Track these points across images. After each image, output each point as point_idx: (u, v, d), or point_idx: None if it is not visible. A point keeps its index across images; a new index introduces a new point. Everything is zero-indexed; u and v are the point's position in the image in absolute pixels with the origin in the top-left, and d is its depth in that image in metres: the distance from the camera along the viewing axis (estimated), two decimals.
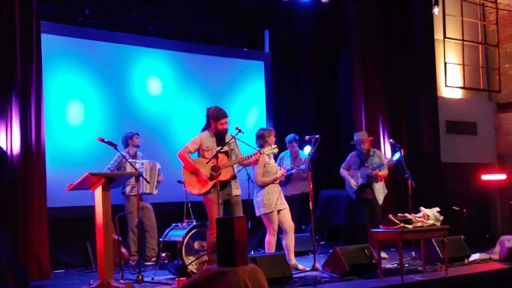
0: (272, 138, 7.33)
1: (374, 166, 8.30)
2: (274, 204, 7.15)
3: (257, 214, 7.28)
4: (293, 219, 7.55)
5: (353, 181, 8.49)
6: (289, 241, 7.27)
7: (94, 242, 6.15)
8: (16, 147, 6.94)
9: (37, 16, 7.20)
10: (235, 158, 6.89)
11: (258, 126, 10.77)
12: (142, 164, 8.22)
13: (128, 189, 8.15)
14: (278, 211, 7.21)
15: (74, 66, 8.99)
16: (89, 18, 9.32)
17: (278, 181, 7.30)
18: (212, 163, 6.64)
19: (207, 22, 10.60)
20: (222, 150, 6.79)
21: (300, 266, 7.17)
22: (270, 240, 7.21)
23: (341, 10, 10.25)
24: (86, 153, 8.77)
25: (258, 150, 6.95)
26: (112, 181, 6.13)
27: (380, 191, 8.43)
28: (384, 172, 8.38)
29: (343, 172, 8.70)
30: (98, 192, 6.01)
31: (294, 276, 6.57)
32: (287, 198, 9.18)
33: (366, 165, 8.40)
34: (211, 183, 6.67)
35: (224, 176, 6.78)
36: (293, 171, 9.08)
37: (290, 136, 9.35)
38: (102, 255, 5.94)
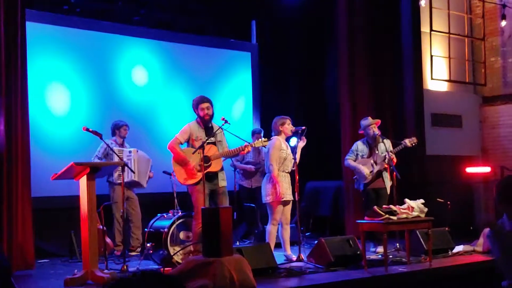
0: (286, 126, 7.29)
1: (382, 153, 7.96)
2: (283, 194, 7.13)
3: (263, 201, 7.26)
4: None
5: (368, 169, 8.02)
6: (284, 232, 7.30)
7: (79, 232, 6.13)
8: (0, 136, 6.87)
9: (22, 3, 7.12)
10: (222, 150, 6.88)
11: (245, 117, 10.86)
12: (130, 152, 8.16)
13: (115, 176, 8.07)
14: (284, 202, 7.20)
15: (59, 54, 8.92)
16: (74, 6, 9.25)
17: (288, 171, 7.24)
18: (199, 153, 6.62)
19: (194, 12, 10.57)
20: (210, 141, 6.78)
21: (294, 257, 7.18)
22: (270, 230, 7.21)
23: (328, 1, 10.24)
24: (71, 142, 8.72)
25: (249, 143, 6.93)
26: (97, 170, 6.10)
27: (388, 179, 8.12)
28: (395, 157, 8.06)
29: (350, 162, 8.20)
30: (83, 181, 5.98)
31: (279, 266, 6.58)
32: (251, 190, 9.26)
33: (376, 152, 8.05)
34: (200, 174, 6.65)
35: (214, 167, 6.77)
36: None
37: (256, 129, 9.49)
38: (87, 245, 5.92)
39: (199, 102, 6.90)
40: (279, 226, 7.30)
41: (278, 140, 7.22)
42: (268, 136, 7.57)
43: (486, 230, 8.08)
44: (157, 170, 8.26)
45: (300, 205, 7.68)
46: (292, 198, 7.23)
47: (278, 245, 7.41)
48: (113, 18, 9.64)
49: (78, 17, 9.25)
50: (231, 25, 11.08)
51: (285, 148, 7.24)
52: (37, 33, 8.40)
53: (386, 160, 7.91)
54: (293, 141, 7.75)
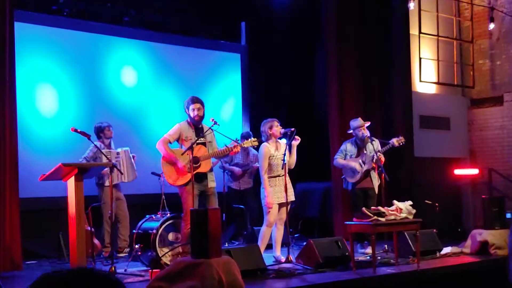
0: (274, 129, 7.28)
1: (371, 153, 7.98)
2: (276, 197, 7.14)
3: (262, 203, 7.29)
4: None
5: (357, 164, 8.03)
6: (277, 233, 7.32)
7: (67, 233, 6.10)
8: None
9: (10, 3, 7.09)
10: (212, 151, 6.88)
11: (234, 118, 10.86)
12: (118, 154, 8.14)
13: (105, 178, 8.06)
14: (280, 204, 7.20)
15: (48, 55, 8.88)
16: (63, 6, 9.21)
17: (283, 174, 7.21)
18: (187, 154, 6.61)
19: (184, 13, 10.55)
20: (199, 142, 6.77)
21: (283, 259, 7.17)
22: (263, 232, 7.21)
23: (318, 3, 10.26)
24: (59, 143, 8.68)
25: (239, 143, 6.92)
26: (85, 171, 6.08)
27: (375, 179, 8.14)
28: (383, 157, 8.04)
29: (339, 160, 8.24)
30: (71, 182, 5.95)
31: (268, 268, 6.59)
32: (240, 192, 9.27)
33: (364, 151, 8.08)
34: (189, 176, 6.64)
35: (204, 168, 6.76)
36: (255, 164, 9.06)
37: (244, 133, 9.50)
38: (75, 246, 5.90)
39: (191, 102, 6.91)
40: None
41: (266, 148, 7.22)
42: (257, 138, 7.56)
43: (474, 231, 8.15)
44: (146, 171, 8.23)
45: (290, 207, 7.69)
46: (287, 200, 7.21)
47: (269, 246, 7.41)
48: (103, 18, 9.60)
49: (67, 17, 9.22)
50: (221, 27, 11.07)
51: (274, 153, 7.24)
52: (25, 33, 8.36)
53: (374, 160, 7.94)
54: (283, 142, 7.76)
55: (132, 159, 8.25)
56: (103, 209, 8.12)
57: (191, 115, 6.88)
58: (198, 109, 6.88)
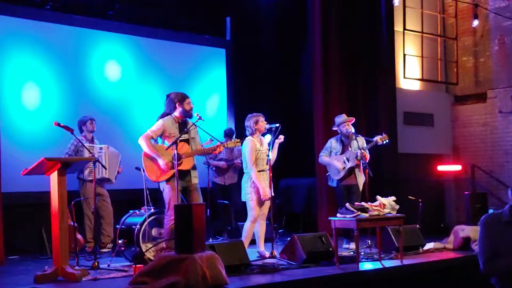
0: (260, 124, 7.26)
1: (356, 150, 7.99)
2: (265, 195, 7.11)
3: (243, 199, 7.24)
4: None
5: (341, 164, 8.10)
6: (260, 228, 7.31)
7: (50, 228, 6.05)
8: None
9: None
10: (195, 147, 6.83)
11: (219, 114, 10.84)
12: (101, 148, 8.09)
13: (86, 172, 8.01)
14: (262, 200, 7.19)
15: (30, 49, 8.80)
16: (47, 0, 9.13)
17: (267, 169, 7.23)
18: (171, 149, 6.57)
19: (169, 7, 10.49)
20: (183, 138, 6.73)
21: (267, 254, 7.18)
22: (247, 227, 7.20)
23: None
24: (42, 137, 8.62)
25: (222, 143, 6.88)
26: (68, 166, 6.03)
27: (360, 176, 8.15)
28: (367, 154, 8.08)
29: (324, 158, 8.30)
30: (54, 177, 5.90)
31: (252, 263, 6.58)
32: (225, 187, 9.28)
33: (349, 149, 8.10)
34: (171, 172, 6.60)
35: (186, 165, 6.71)
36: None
37: (226, 130, 9.55)
38: (57, 241, 5.85)
39: (185, 97, 6.84)
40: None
41: (252, 142, 7.20)
42: (242, 134, 7.55)
43: (457, 227, 8.20)
44: (129, 166, 8.18)
45: (274, 202, 7.69)
46: (271, 195, 7.21)
47: (253, 242, 7.41)
48: (86, 12, 9.53)
49: (50, 11, 9.13)
50: (206, 21, 11.03)
51: (259, 148, 7.24)
52: (8, 26, 8.29)
53: (358, 157, 7.96)
54: (268, 138, 7.74)
55: (117, 162, 8.20)
56: (83, 204, 8.07)
57: (187, 108, 6.81)
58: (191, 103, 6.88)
